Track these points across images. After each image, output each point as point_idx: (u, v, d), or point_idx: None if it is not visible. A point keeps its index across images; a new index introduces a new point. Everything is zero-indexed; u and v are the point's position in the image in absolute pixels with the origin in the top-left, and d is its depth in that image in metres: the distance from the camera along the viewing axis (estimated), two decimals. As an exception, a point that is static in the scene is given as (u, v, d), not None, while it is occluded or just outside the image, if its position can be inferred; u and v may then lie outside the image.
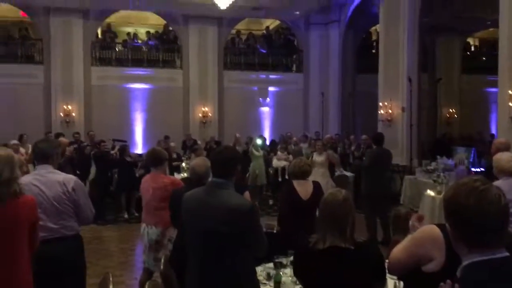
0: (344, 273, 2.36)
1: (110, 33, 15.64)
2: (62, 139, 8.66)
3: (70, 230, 3.37)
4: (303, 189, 4.66)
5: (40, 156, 3.42)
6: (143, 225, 4.76)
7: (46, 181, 3.30)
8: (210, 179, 3.06)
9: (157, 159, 4.79)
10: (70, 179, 3.39)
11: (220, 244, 2.58)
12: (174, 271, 3.67)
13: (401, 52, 11.52)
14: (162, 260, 4.20)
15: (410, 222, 2.59)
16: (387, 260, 2.48)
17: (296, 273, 2.64)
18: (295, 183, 4.71)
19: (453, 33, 16.23)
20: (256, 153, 10.76)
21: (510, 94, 7.76)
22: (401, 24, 11.56)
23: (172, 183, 4.61)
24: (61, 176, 3.39)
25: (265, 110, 16.02)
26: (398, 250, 2.23)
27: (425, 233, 2.09)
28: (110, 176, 10.27)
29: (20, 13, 14.70)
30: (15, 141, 9.14)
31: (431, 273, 1.97)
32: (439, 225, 2.07)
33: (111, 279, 3.07)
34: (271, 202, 10.68)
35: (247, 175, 10.61)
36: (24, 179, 3.21)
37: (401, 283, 3.14)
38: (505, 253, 1.53)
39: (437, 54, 16.42)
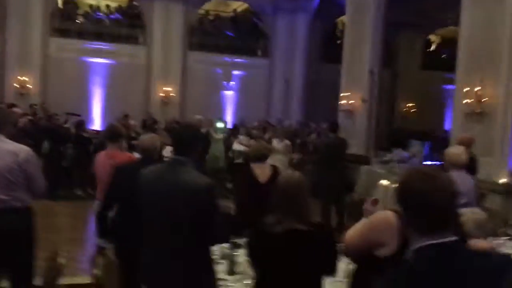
0: (301, 255, 2.39)
1: (71, 3, 15.06)
2: (15, 109, 8.32)
3: (20, 202, 3.27)
4: (261, 172, 4.68)
5: (-9, 124, 3.28)
6: (97, 202, 4.67)
7: (-4, 150, 3.17)
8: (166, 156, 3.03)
9: (114, 134, 4.68)
10: (22, 149, 3.27)
11: (178, 221, 2.56)
12: (115, 247, 3.63)
13: (364, 45, 11.68)
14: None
15: (364, 206, 2.66)
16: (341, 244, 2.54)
17: (250, 255, 2.65)
18: (254, 166, 4.73)
19: (415, 29, 16.60)
20: (215, 136, 10.72)
21: (465, 92, 8.04)
22: (366, 17, 11.70)
23: (129, 159, 4.52)
24: (12, 145, 3.27)
25: (229, 93, 15.95)
26: (353, 233, 2.29)
27: (380, 219, 2.15)
28: (63, 151, 9.99)
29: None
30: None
31: (383, 258, 2.04)
32: (394, 211, 2.13)
33: (58, 252, 3.01)
34: (229, 185, 10.68)
35: (206, 157, 10.56)
36: (-27, 147, 3.07)
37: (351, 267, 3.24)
38: (454, 237, 1.59)
39: (399, 49, 16.77)
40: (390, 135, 14.28)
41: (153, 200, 2.66)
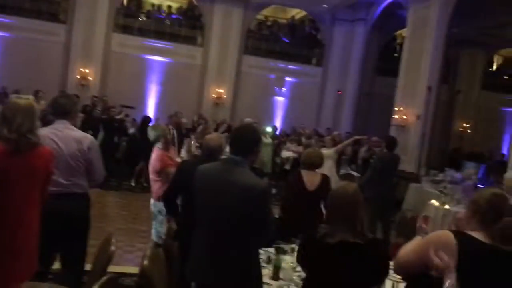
0: (352, 268, 2.35)
1: (135, 1, 15.58)
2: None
3: (79, 188, 3.38)
4: (310, 179, 4.63)
5: (60, 111, 3.42)
6: (152, 200, 4.95)
7: (63, 136, 3.30)
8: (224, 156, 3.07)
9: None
10: (86, 137, 3.39)
11: (230, 221, 2.57)
12: (180, 244, 3.68)
13: (424, 60, 11.41)
14: (164, 231, 4.24)
15: (417, 224, 2.58)
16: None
17: (300, 262, 2.64)
18: (303, 172, 4.69)
19: (478, 47, 16.04)
20: (264, 140, 10.74)
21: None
22: (427, 32, 11.43)
23: (155, 157, 4.78)
24: (77, 133, 3.39)
25: (280, 99, 15.97)
26: (408, 250, 2.22)
27: (438, 238, 2.08)
28: (117, 142, 10.35)
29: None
30: (30, 96, 9.12)
31: (439, 278, 1.96)
32: (453, 231, 2.06)
33: (113, 240, 3.08)
34: (274, 190, 10.67)
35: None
36: (42, 132, 3.20)
37: (400, 284, 3.15)
38: None
39: (460, 67, 16.26)
40: (444, 154, 13.84)
41: (207, 197, 2.68)
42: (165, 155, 4.89)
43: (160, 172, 4.70)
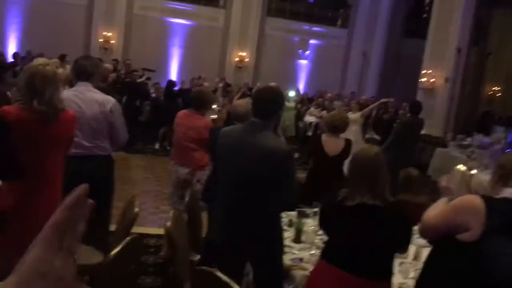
0: (372, 231, 2.32)
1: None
2: (106, 65, 8.54)
3: (103, 150, 3.39)
4: (332, 145, 4.51)
5: (81, 73, 3.39)
6: (173, 162, 4.60)
7: (85, 99, 3.29)
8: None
9: (201, 102, 4.41)
10: (109, 100, 3.38)
11: (250, 183, 2.56)
12: (207, 207, 3.70)
13: (454, 21, 11.00)
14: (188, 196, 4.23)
15: (442, 184, 2.52)
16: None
17: (321, 225, 2.62)
18: (325, 137, 4.59)
19: (511, 7, 15.31)
20: (287, 104, 10.61)
21: None
22: (459, -10, 10.98)
23: (205, 126, 4.33)
24: (100, 95, 3.38)
25: (303, 62, 15.70)
26: (434, 214, 2.17)
27: (467, 202, 2.01)
28: (140, 106, 10.41)
29: None
30: (56, 60, 9.12)
31: (466, 242, 1.92)
32: (482, 196, 1.99)
33: (137, 202, 3.12)
34: (297, 155, 10.64)
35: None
36: (64, 94, 3.20)
37: (423, 250, 3.12)
38: None
39: (491, 28, 15.60)
40: (472, 118, 13.50)
41: (227, 159, 2.67)
42: (210, 123, 4.61)
43: (202, 141, 4.29)
